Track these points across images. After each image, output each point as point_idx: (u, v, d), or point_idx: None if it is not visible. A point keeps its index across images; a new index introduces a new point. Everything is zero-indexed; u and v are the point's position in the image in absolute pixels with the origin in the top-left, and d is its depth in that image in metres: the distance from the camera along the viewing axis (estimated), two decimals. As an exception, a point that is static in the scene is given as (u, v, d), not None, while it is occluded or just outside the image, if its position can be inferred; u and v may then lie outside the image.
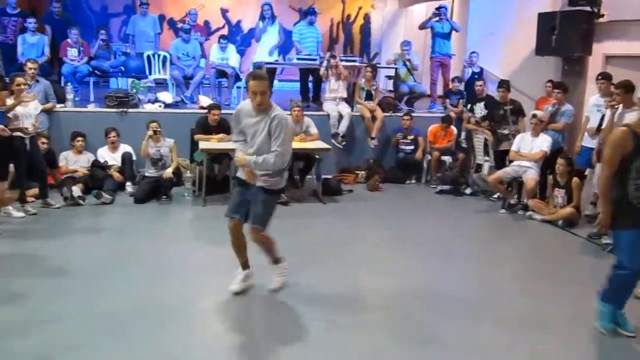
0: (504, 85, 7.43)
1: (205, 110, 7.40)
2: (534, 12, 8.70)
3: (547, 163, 6.82)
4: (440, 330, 3.76)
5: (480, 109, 7.89)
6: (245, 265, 4.19)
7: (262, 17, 9.34)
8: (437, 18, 9.48)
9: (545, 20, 8.35)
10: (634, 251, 3.51)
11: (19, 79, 5.80)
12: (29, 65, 7.11)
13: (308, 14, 9.48)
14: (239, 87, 9.34)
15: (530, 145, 6.85)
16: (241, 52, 9.98)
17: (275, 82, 9.88)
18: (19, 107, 5.79)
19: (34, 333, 3.49)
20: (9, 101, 5.69)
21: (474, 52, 9.56)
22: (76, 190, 6.49)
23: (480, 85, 8.01)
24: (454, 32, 9.64)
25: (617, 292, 3.67)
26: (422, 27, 9.86)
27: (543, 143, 6.79)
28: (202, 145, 6.79)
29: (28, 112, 5.92)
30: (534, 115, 6.94)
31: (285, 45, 10.29)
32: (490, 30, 10.26)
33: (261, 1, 9.58)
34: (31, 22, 8.54)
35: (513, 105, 7.35)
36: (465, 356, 3.47)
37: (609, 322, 3.73)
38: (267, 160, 3.77)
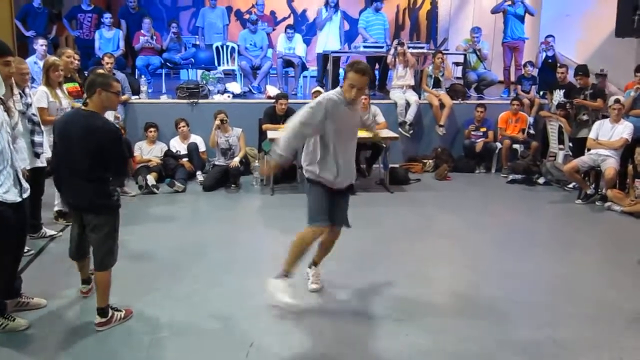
0: (580, 72, 7.08)
1: (273, 100, 7.47)
2: (615, -9, 8.25)
3: (627, 151, 6.47)
4: (521, 327, 3.66)
5: (558, 96, 7.57)
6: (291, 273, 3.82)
7: (327, 5, 9.30)
8: (510, 1, 9.15)
9: None
10: None
11: (101, 72, 6.03)
12: (106, 59, 7.39)
13: (374, 0, 9.36)
14: (305, 77, 9.39)
15: (609, 132, 6.52)
16: (307, 42, 10.00)
17: (341, 70, 9.84)
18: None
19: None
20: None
21: (550, 36, 9.15)
22: (150, 179, 6.73)
23: (562, 72, 7.66)
24: (527, 15, 9.27)
25: None
26: (495, 11, 9.54)
27: (624, 130, 6.44)
28: (270, 134, 6.87)
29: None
30: (617, 101, 6.56)
31: (351, 33, 10.24)
32: (566, 11, 9.83)
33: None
34: (107, 17, 8.89)
35: (593, 89, 6.98)
36: (546, 356, 3.36)
37: None
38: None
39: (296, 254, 3.68)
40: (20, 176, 3.40)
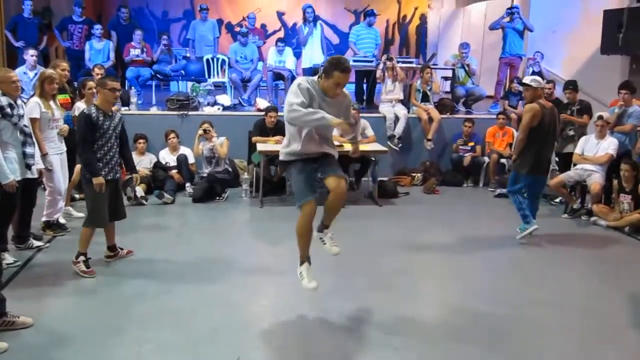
0: (570, 86, 7.16)
1: (263, 113, 7.51)
2: (600, 9, 8.41)
3: (613, 167, 6.56)
4: (507, 340, 3.69)
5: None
6: (309, 258, 3.86)
7: (305, 21, 9.36)
8: (508, 18, 9.28)
9: (612, 17, 8.05)
10: None
11: (90, 83, 6.02)
12: (97, 70, 7.40)
13: (367, 15, 9.47)
14: (295, 90, 9.41)
15: (595, 148, 6.61)
16: (297, 55, 10.05)
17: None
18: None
19: (100, 331, 3.64)
20: (80, 105, 5.91)
21: (538, 52, 9.30)
22: (139, 190, 6.72)
23: (550, 88, 7.75)
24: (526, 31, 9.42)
25: None
26: (493, 27, 9.65)
27: (609, 146, 6.53)
28: (260, 147, 6.89)
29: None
30: (600, 117, 6.68)
31: (340, 47, 10.32)
32: (552, 28, 9.99)
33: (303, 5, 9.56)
34: (98, 29, 8.90)
35: (580, 105, 7.08)
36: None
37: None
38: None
39: (301, 240, 3.78)
40: None
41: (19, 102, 4.61)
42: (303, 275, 3.79)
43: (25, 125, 4.63)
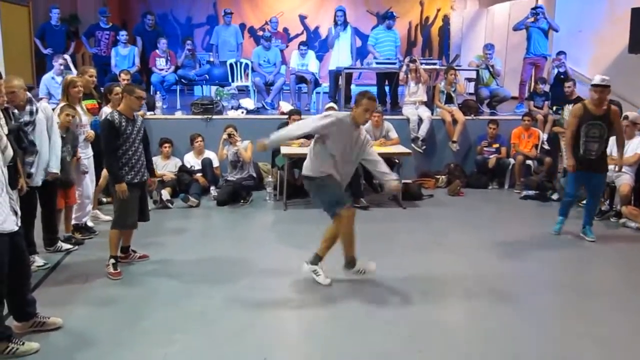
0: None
1: (286, 116, 7.53)
2: (627, 7, 8.26)
3: (643, 167, 6.43)
4: (530, 345, 3.64)
5: (568, 111, 7.54)
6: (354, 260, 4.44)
7: (335, 23, 9.38)
8: (533, 19, 9.18)
9: (640, 16, 7.91)
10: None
11: (117, 89, 6.08)
12: (123, 76, 7.51)
13: (386, 18, 9.45)
14: (318, 93, 9.46)
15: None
16: (320, 58, 10.09)
17: (353, 86, 9.93)
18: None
19: (128, 333, 3.69)
20: (107, 110, 5.98)
21: (561, 52, 9.17)
22: (165, 194, 6.80)
23: (569, 87, 7.65)
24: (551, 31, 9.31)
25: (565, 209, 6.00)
26: (517, 28, 9.56)
27: (638, 146, 6.40)
28: (284, 150, 6.92)
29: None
30: (625, 117, 6.54)
31: (362, 50, 10.33)
32: (578, 27, 9.85)
33: (336, 7, 9.64)
34: (123, 35, 9.05)
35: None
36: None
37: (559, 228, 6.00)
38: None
39: (348, 239, 4.31)
40: (15, 204, 3.35)
41: (27, 108, 4.45)
42: (318, 272, 4.43)
43: (25, 132, 4.43)
